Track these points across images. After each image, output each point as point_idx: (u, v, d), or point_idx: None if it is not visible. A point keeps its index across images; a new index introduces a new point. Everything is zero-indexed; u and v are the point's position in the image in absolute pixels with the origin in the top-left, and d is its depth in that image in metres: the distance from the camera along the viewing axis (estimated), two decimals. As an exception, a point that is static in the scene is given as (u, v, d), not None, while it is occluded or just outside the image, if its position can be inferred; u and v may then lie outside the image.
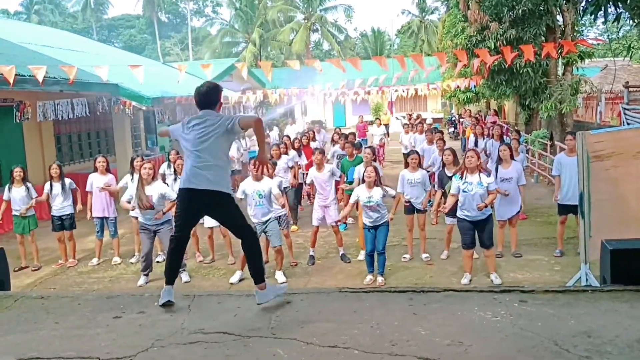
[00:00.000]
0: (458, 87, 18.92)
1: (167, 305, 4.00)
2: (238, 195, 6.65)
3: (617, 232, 4.92)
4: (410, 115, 23.79)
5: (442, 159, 7.82)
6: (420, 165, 7.89)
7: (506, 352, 3.12)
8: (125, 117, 13.00)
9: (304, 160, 10.55)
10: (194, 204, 3.97)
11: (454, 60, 13.79)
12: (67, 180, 8.03)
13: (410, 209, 7.60)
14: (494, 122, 15.88)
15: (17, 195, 7.80)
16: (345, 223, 9.16)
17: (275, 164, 7.91)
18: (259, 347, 3.32)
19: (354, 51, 49.76)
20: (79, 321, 3.88)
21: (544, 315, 3.61)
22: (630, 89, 13.32)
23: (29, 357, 3.27)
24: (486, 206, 6.16)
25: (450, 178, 7.38)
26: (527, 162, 11.65)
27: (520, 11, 12.99)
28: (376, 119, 18.35)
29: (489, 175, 6.40)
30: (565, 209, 7.31)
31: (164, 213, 6.69)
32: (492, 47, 12.86)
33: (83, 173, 11.40)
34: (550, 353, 3.07)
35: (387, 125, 23.76)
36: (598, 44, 21.17)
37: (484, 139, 11.45)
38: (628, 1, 6.65)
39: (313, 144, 12.02)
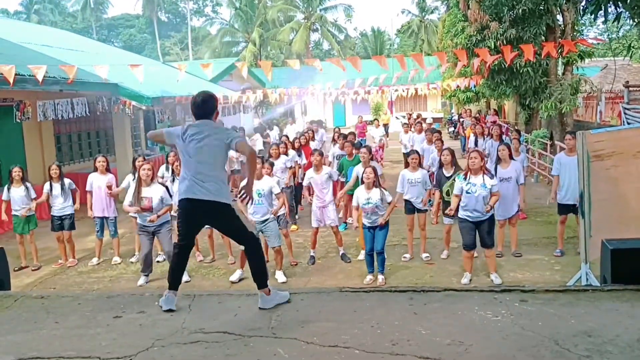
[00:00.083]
0: (458, 86, 18.89)
1: (168, 311, 4.00)
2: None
3: (617, 232, 4.93)
4: (410, 114, 23.77)
5: (440, 159, 7.81)
6: (420, 165, 7.90)
7: (507, 352, 3.12)
8: (125, 117, 12.99)
9: (303, 160, 10.55)
10: (195, 214, 4.01)
11: (454, 59, 13.78)
12: (67, 181, 8.02)
13: (410, 208, 7.60)
14: (494, 122, 15.87)
15: (17, 195, 7.79)
16: (345, 223, 9.16)
17: (272, 164, 7.90)
18: (259, 347, 3.32)
19: (354, 51, 49.74)
20: (79, 321, 3.88)
21: (545, 314, 3.61)
22: (631, 89, 13.31)
23: (29, 357, 3.27)
24: (492, 208, 6.17)
25: (448, 178, 7.39)
26: (528, 162, 11.64)
27: (520, 11, 12.98)
28: (374, 119, 18.32)
29: (492, 177, 6.40)
30: (565, 209, 7.31)
31: (158, 216, 6.68)
32: (492, 47, 12.85)
33: (83, 173, 11.40)
34: (550, 352, 3.07)
35: (386, 125, 23.78)
36: (598, 43, 21.18)
37: (484, 138, 11.44)
38: (628, 0, 6.64)
39: (312, 144, 12.02)
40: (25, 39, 15.12)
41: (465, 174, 6.34)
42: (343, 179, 8.95)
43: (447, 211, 6.71)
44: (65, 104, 11.29)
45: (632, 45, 15.37)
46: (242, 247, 6.40)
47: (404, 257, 7.50)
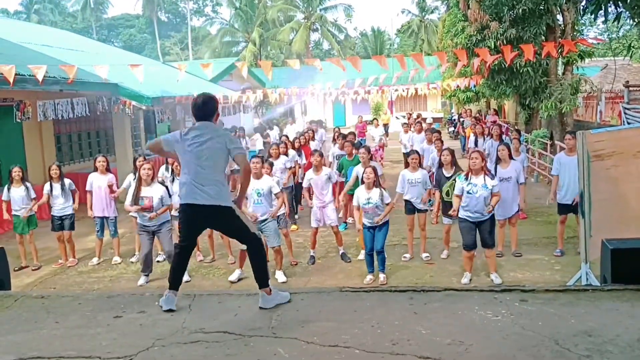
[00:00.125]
0: (458, 86, 18.90)
1: (169, 311, 4.00)
2: None
3: (617, 232, 4.92)
4: (410, 114, 23.77)
5: (439, 159, 7.80)
6: (420, 165, 7.89)
7: (507, 352, 3.12)
8: (125, 117, 12.99)
9: (303, 160, 10.55)
10: (196, 218, 4.03)
11: (454, 59, 13.77)
12: (67, 181, 8.02)
13: (410, 208, 7.59)
14: (494, 122, 15.87)
15: (17, 195, 7.79)
16: (345, 222, 9.16)
17: (272, 164, 7.89)
18: (259, 347, 3.32)
19: (354, 51, 49.74)
20: (79, 321, 3.88)
21: (545, 314, 3.62)
22: (631, 89, 13.32)
23: (29, 357, 3.27)
24: (493, 209, 6.17)
25: (448, 179, 7.38)
26: (528, 162, 11.64)
27: (520, 10, 12.98)
28: (374, 119, 18.30)
29: (493, 177, 6.40)
30: (565, 208, 7.31)
31: (157, 215, 6.69)
32: (492, 47, 12.84)
33: (83, 173, 11.40)
34: (551, 352, 3.07)
35: (386, 125, 23.77)
36: (598, 43, 21.17)
37: (484, 138, 11.44)
38: (628, 0, 6.64)
39: (313, 144, 12.02)
40: (25, 39, 15.12)
41: (467, 175, 6.33)
42: (343, 179, 8.95)
43: (450, 212, 6.70)
44: (65, 103, 11.30)
45: (632, 45, 15.39)
46: (242, 247, 6.47)
47: (404, 257, 7.50)
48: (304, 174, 8.50)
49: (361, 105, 29.02)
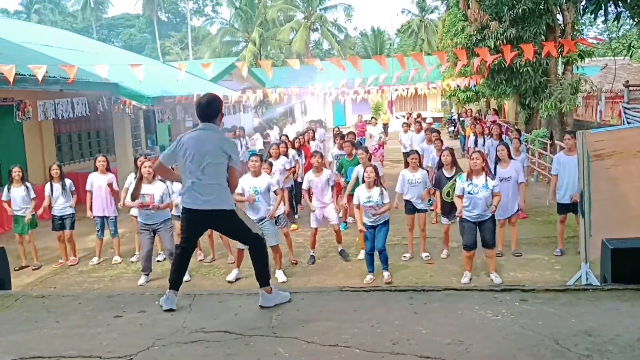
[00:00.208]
0: (458, 86, 18.90)
1: (169, 311, 4.00)
2: (237, 191, 6.63)
3: (617, 231, 4.92)
4: (410, 114, 23.77)
5: (439, 159, 7.80)
6: (420, 164, 7.89)
7: (507, 351, 3.12)
8: (125, 117, 12.99)
9: (303, 159, 10.54)
10: (198, 222, 4.06)
11: (454, 59, 13.79)
12: (68, 181, 8.03)
13: (410, 208, 7.59)
14: (494, 122, 15.86)
15: (17, 195, 7.80)
16: (345, 222, 9.16)
17: (271, 164, 7.89)
18: (260, 346, 3.32)
19: (354, 50, 49.73)
20: (79, 320, 3.88)
21: (545, 314, 3.62)
22: (631, 88, 13.31)
23: (30, 357, 3.27)
24: (496, 208, 6.18)
25: (448, 179, 7.37)
26: (528, 161, 11.64)
27: (520, 10, 12.97)
28: (372, 118, 18.30)
29: (493, 177, 6.41)
30: (564, 208, 7.31)
31: (158, 208, 6.71)
32: (492, 46, 12.84)
33: (83, 172, 11.39)
34: (551, 352, 3.07)
35: (386, 125, 23.75)
36: (598, 43, 21.17)
37: (484, 138, 11.43)
38: (628, 0, 6.64)
39: (313, 143, 12.02)
40: (25, 38, 15.12)
41: (468, 175, 6.34)
42: (342, 179, 8.94)
43: (456, 214, 6.66)
44: (66, 103, 11.30)
45: (632, 44, 15.38)
46: (240, 246, 6.48)
47: (404, 256, 7.50)
48: (304, 173, 8.49)
49: (361, 105, 29.02)
